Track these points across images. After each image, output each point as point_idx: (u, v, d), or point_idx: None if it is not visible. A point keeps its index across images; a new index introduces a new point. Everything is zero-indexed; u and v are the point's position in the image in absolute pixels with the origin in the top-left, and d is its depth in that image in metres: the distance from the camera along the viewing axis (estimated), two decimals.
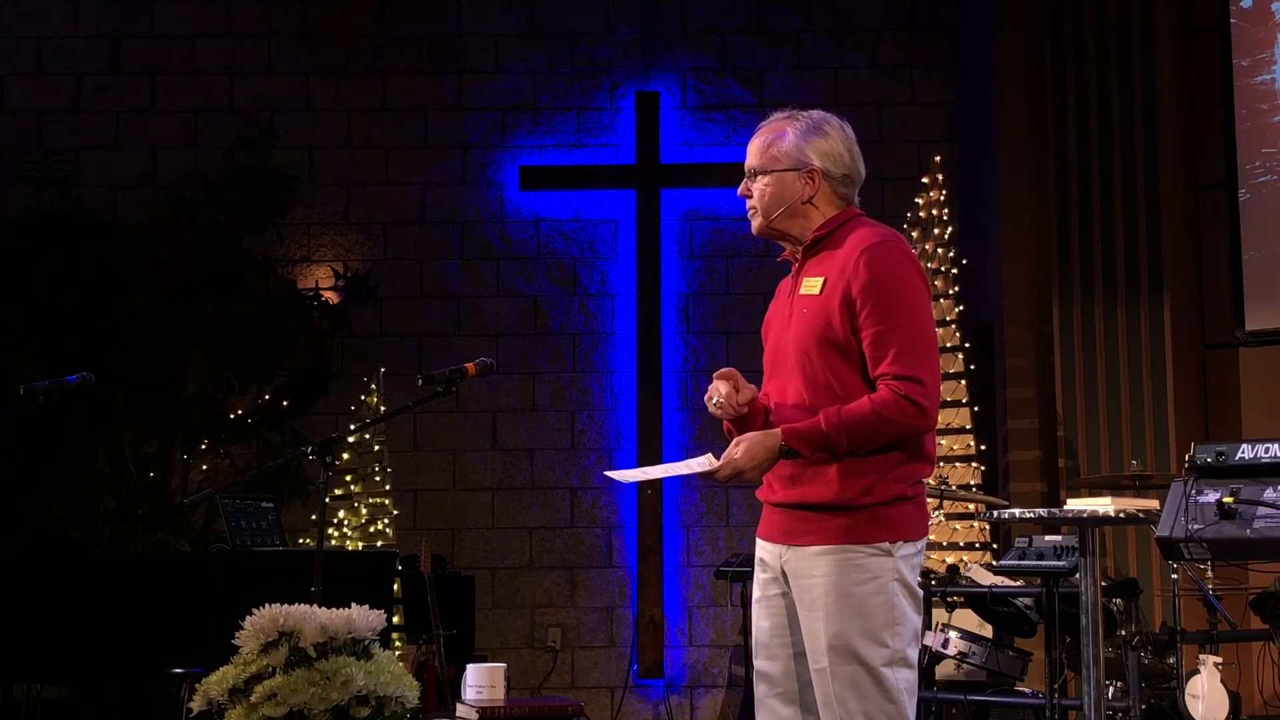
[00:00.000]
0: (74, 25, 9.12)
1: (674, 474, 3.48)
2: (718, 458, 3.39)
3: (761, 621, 3.45)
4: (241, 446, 8.39)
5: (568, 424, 8.88)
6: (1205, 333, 7.71)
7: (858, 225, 3.45)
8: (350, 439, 8.02)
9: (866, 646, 3.27)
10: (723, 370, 3.47)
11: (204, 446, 8.34)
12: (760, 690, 3.45)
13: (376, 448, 8.30)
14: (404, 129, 9.07)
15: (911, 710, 3.31)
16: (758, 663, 3.45)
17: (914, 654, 3.34)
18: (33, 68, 9.08)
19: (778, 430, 3.31)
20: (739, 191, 3.54)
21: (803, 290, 3.42)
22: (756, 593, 3.49)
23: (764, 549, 3.47)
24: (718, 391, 3.43)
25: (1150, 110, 7.68)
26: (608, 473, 3.70)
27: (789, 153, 3.46)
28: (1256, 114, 7.53)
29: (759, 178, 3.49)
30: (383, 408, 8.20)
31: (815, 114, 3.52)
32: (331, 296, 8.78)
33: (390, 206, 9.04)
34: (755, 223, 3.52)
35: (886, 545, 3.31)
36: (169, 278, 8.44)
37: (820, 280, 3.39)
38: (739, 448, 3.31)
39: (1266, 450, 4.48)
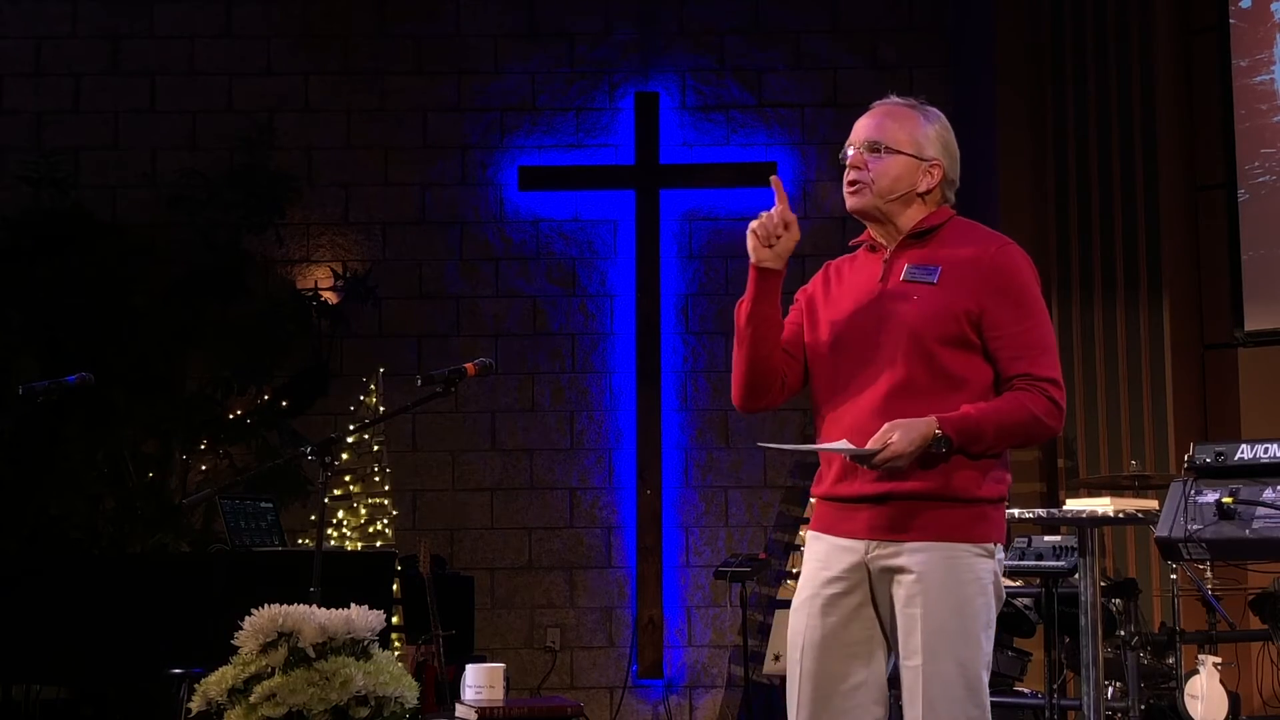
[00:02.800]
0: (73, 25, 9.12)
1: (819, 450, 3.30)
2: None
3: (814, 620, 3.30)
4: (241, 447, 8.39)
5: (567, 424, 8.88)
6: (1204, 333, 7.71)
7: (967, 224, 3.42)
8: (349, 439, 8.02)
9: (964, 647, 3.21)
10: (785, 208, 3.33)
11: (203, 447, 8.34)
12: (805, 691, 3.30)
13: (376, 448, 8.30)
14: (403, 129, 9.07)
15: (991, 716, 3.27)
16: (805, 663, 3.30)
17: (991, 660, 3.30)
18: (32, 68, 9.08)
19: (932, 417, 3.17)
20: (850, 160, 3.40)
21: (907, 277, 3.32)
22: (808, 591, 3.32)
23: (834, 545, 3.31)
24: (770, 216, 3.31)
25: (1149, 111, 7.68)
26: (761, 444, 3.65)
27: (917, 139, 3.41)
28: (1255, 114, 7.54)
29: (880, 153, 3.37)
30: (382, 408, 8.20)
31: (934, 109, 3.49)
32: (331, 297, 8.78)
33: (389, 207, 9.04)
34: (860, 199, 3.37)
35: (991, 546, 3.27)
36: (168, 278, 8.44)
37: (934, 269, 3.30)
38: (895, 433, 3.14)
39: (1265, 450, 4.49)
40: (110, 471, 8.14)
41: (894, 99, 3.52)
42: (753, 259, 3.36)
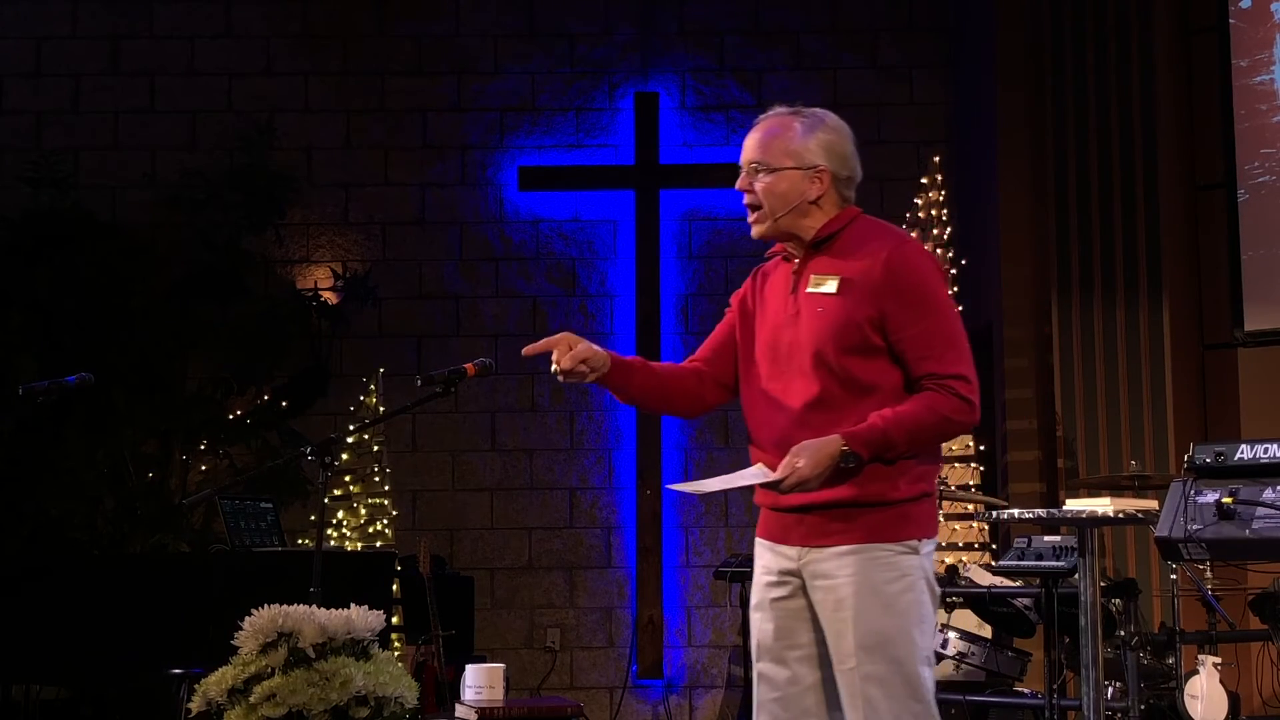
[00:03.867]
0: (73, 26, 9.12)
1: (733, 486, 3.39)
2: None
3: (765, 625, 3.39)
4: (240, 447, 8.39)
5: (567, 424, 8.88)
6: (1204, 333, 7.71)
7: (867, 224, 3.43)
8: (349, 439, 8.02)
9: (898, 645, 3.24)
10: (556, 339, 3.42)
11: (203, 447, 8.34)
12: (762, 693, 3.41)
13: (375, 448, 8.29)
14: (403, 129, 9.07)
15: (936, 710, 3.29)
16: (760, 666, 3.40)
17: (933, 655, 3.34)
18: (32, 68, 9.08)
19: (836, 436, 3.21)
20: (739, 185, 3.46)
21: (811, 289, 3.36)
22: (757, 597, 3.43)
23: (773, 552, 3.40)
24: (556, 360, 3.40)
25: (1149, 111, 7.68)
26: (671, 485, 3.73)
27: (798, 151, 3.41)
28: (1255, 114, 7.54)
29: (762, 174, 3.42)
30: (381, 408, 8.20)
31: (819, 112, 3.48)
32: (330, 297, 8.78)
33: (389, 207, 9.04)
34: (761, 227, 3.43)
35: (914, 543, 3.30)
36: (168, 278, 8.44)
37: (835, 279, 3.34)
38: (800, 458, 3.20)
39: (1265, 450, 4.48)
40: (110, 472, 8.14)
41: (777, 109, 3.51)
42: (587, 383, 3.49)
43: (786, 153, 3.41)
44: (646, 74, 9.12)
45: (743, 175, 3.46)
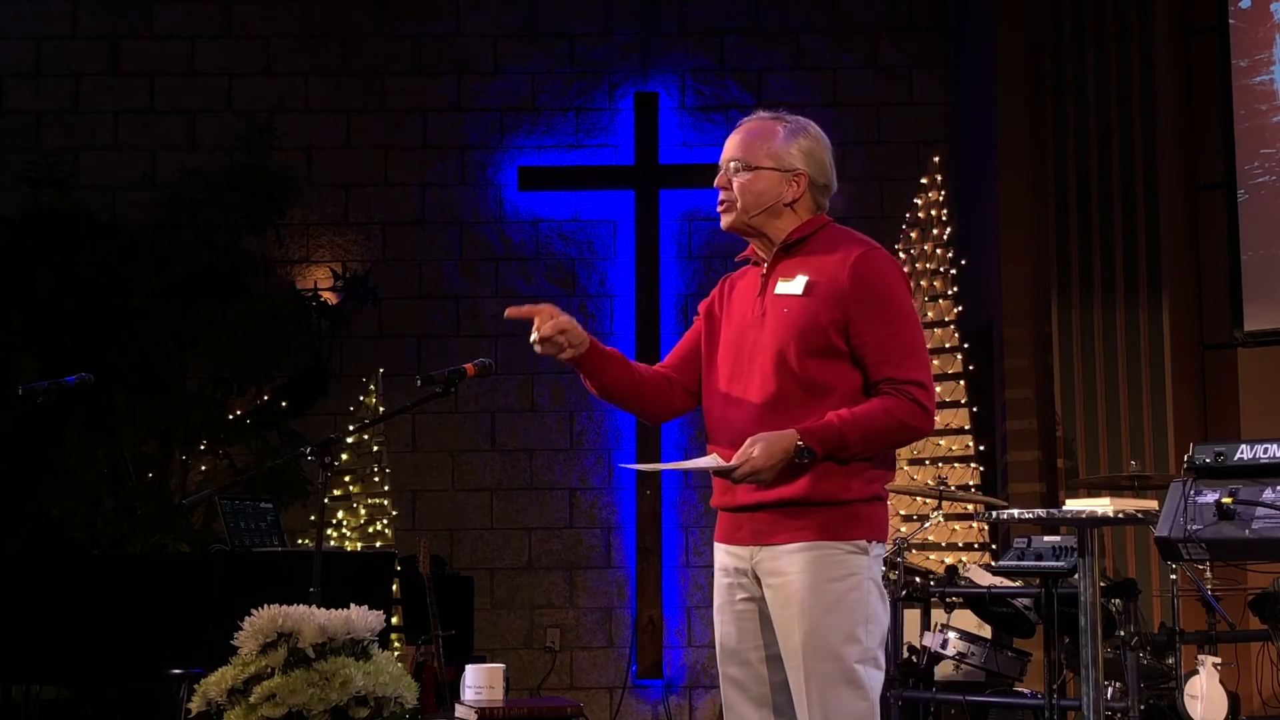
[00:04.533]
0: (73, 26, 9.13)
1: (684, 469, 3.49)
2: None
3: (727, 628, 3.44)
4: (240, 447, 8.39)
5: (566, 424, 8.89)
6: (1204, 333, 7.71)
7: (837, 231, 3.49)
8: (349, 440, 8.02)
9: (841, 643, 3.27)
10: (540, 307, 3.41)
11: (203, 447, 8.34)
12: (730, 696, 3.44)
13: (375, 448, 8.30)
14: (403, 129, 9.07)
15: (878, 712, 3.32)
16: (726, 669, 3.44)
17: (883, 656, 3.36)
18: (32, 68, 9.09)
19: (792, 430, 3.26)
20: (717, 181, 3.50)
21: (778, 290, 3.41)
22: (719, 599, 3.47)
23: (728, 553, 3.45)
24: (537, 328, 3.39)
25: (1149, 111, 7.68)
26: (623, 464, 3.77)
27: (778, 153, 3.46)
28: (1255, 114, 7.54)
29: (741, 172, 3.46)
30: (381, 408, 8.20)
31: (801, 119, 3.53)
32: (330, 297, 8.78)
33: (389, 207, 9.04)
34: (730, 217, 3.48)
35: (863, 543, 3.33)
36: (168, 278, 8.44)
37: (802, 280, 3.39)
38: (755, 447, 3.25)
39: (1265, 450, 4.48)
40: (110, 472, 8.14)
41: (760, 114, 3.56)
42: (566, 361, 3.46)
43: (768, 153, 3.46)
44: (646, 74, 9.12)
45: (721, 172, 3.50)
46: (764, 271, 3.49)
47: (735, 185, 3.47)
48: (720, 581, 3.47)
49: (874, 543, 3.36)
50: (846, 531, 3.32)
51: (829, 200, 3.53)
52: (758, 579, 3.38)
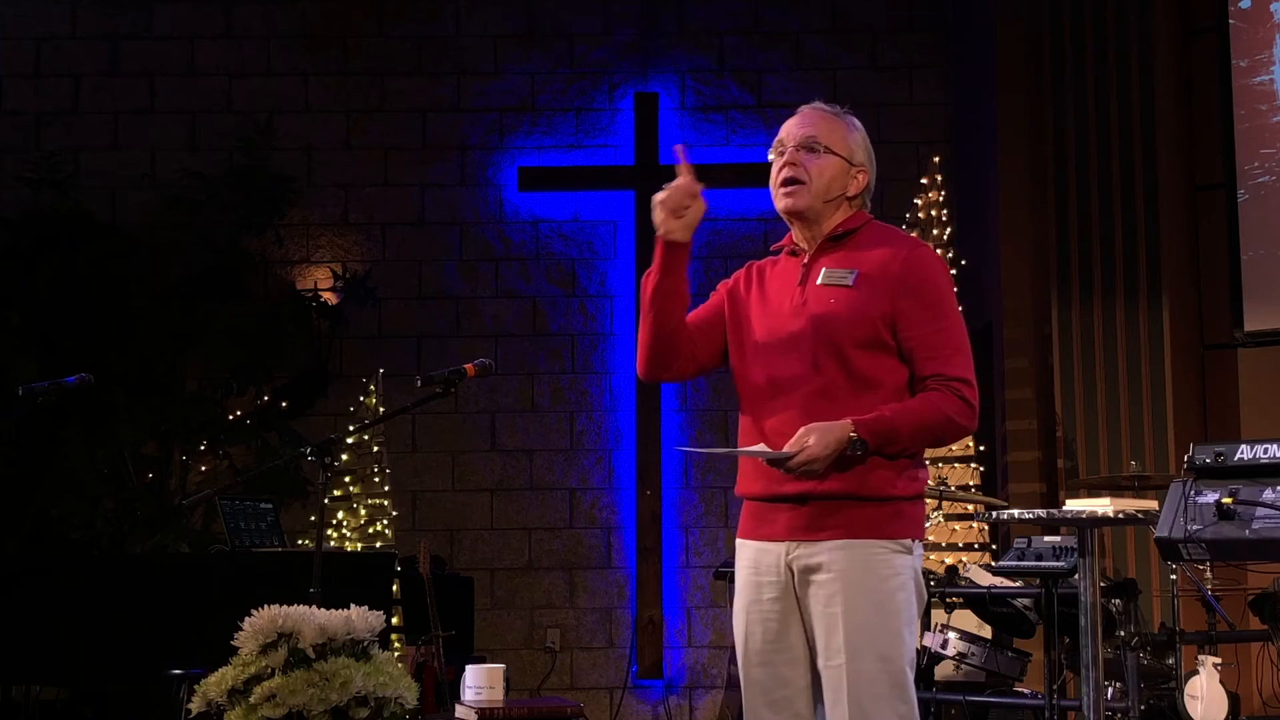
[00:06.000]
0: (73, 26, 9.13)
1: (738, 455, 3.35)
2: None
3: (753, 628, 3.36)
4: (240, 448, 8.39)
5: (566, 425, 8.89)
6: (1204, 333, 7.71)
7: (881, 227, 3.47)
8: (349, 440, 8.02)
9: (887, 644, 3.22)
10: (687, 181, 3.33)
11: (203, 448, 8.34)
12: (751, 698, 3.38)
13: (375, 449, 8.29)
14: (403, 130, 9.07)
15: (917, 712, 3.28)
16: (749, 671, 3.37)
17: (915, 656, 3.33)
18: (32, 68, 9.08)
19: (846, 421, 3.21)
20: (788, 157, 3.40)
21: (823, 281, 3.36)
22: (744, 598, 3.39)
23: (759, 550, 3.37)
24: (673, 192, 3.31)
25: (1149, 111, 7.68)
26: (679, 448, 3.70)
27: (849, 144, 3.44)
28: (1255, 115, 7.54)
29: (818, 152, 3.40)
30: (381, 409, 8.20)
31: (856, 119, 3.52)
32: (330, 297, 8.78)
33: (389, 207, 9.04)
34: (800, 199, 3.39)
35: (908, 542, 3.29)
36: (168, 279, 8.44)
37: (850, 273, 3.34)
38: (810, 437, 3.19)
39: (1265, 451, 4.48)
40: (110, 472, 8.14)
41: (819, 104, 3.52)
42: (660, 231, 3.36)
43: (841, 142, 3.44)
44: (646, 74, 9.12)
45: (791, 149, 3.41)
46: (805, 261, 3.43)
47: (811, 166, 3.40)
48: (747, 579, 3.38)
49: (916, 541, 3.32)
50: (892, 529, 3.27)
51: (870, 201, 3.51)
52: (792, 576, 3.31)
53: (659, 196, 3.33)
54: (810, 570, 3.28)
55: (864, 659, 3.21)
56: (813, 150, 3.40)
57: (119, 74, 9.08)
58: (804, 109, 3.51)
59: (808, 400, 3.29)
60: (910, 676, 3.25)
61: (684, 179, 3.33)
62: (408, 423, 8.74)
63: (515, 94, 9.11)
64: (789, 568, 3.31)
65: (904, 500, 3.30)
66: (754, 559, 3.38)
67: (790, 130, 3.44)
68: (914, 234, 8.00)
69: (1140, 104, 7.69)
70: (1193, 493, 4.47)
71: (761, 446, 3.29)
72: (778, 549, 3.33)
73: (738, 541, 3.46)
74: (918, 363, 3.31)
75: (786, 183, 3.40)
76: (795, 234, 3.48)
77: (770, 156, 3.48)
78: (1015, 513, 5.20)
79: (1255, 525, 4.35)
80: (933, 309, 3.32)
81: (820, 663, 3.28)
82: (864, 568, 3.24)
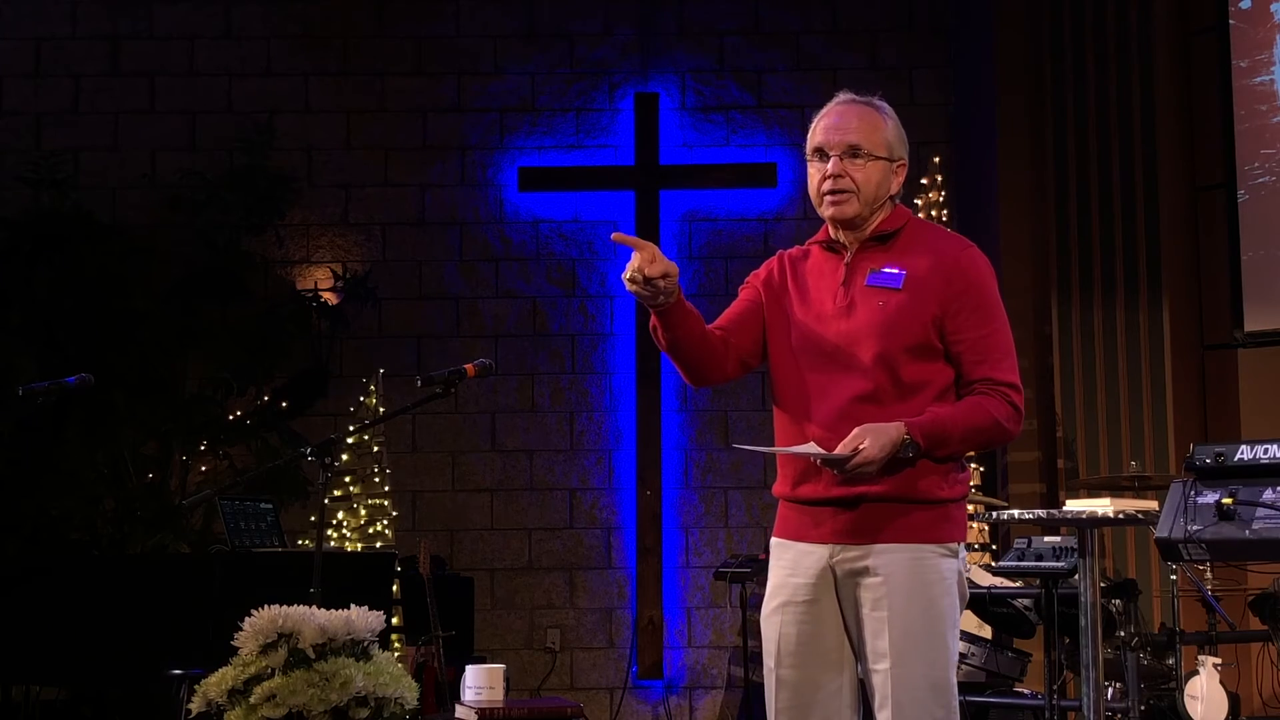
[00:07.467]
0: (73, 26, 9.12)
1: (791, 454, 3.27)
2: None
3: (787, 629, 3.30)
4: (240, 448, 8.39)
5: (567, 425, 8.88)
6: (1204, 334, 7.71)
7: (925, 225, 3.41)
8: (349, 440, 8.02)
9: (932, 649, 3.20)
10: (645, 243, 3.19)
11: (203, 448, 8.34)
12: (781, 699, 3.31)
13: (375, 449, 8.29)
14: (403, 130, 9.07)
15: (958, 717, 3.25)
16: (780, 670, 3.31)
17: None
18: (31, 69, 9.08)
19: (900, 422, 3.15)
20: (830, 168, 3.32)
21: (871, 282, 3.29)
22: (780, 598, 3.32)
23: (802, 551, 3.30)
24: (631, 265, 3.15)
25: (1149, 111, 7.68)
26: (735, 445, 3.62)
27: (890, 142, 3.38)
28: (1255, 115, 7.54)
29: (862, 160, 3.33)
30: (381, 409, 8.19)
31: (886, 104, 3.46)
32: (330, 297, 8.78)
33: (389, 208, 9.04)
34: (850, 208, 3.32)
35: (954, 545, 3.27)
36: (168, 279, 8.44)
37: (898, 274, 3.28)
38: (866, 438, 3.12)
39: (1265, 451, 4.48)
40: (110, 472, 8.14)
41: (852, 97, 3.47)
42: (651, 307, 3.26)
43: (882, 142, 3.37)
44: (646, 74, 9.11)
45: (835, 158, 3.34)
46: (847, 260, 3.36)
47: (858, 175, 3.32)
48: (784, 580, 3.32)
49: (961, 544, 3.29)
50: (939, 533, 3.24)
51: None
52: (834, 579, 3.27)
53: (630, 286, 3.17)
54: (857, 574, 3.24)
55: (909, 664, 3.18)
56: (856, 158, 3.34)
57: (119, 74, 9.08)
58: (839, 105, 3.45)
59: (855, 402, 3.24)
60: (953, 681, 3.23)
61: (640, 256, 3.16)
62: (408, 423, 8.74)
63: (515, 94, 9.11)
64: (831, 570, 3.27)
65: (951, 503, 3.27)
66: (794, 560, 3.32)
67: (830, 137, 3.37)
68: None
69: (1140, 104, 7.70)
70: (1193, 493, 4.48)
71: (813, 445, 3.23)
72: (822, 551, 3.28)
73: (775, 541, 3.39)
74: (966, 366, 3.27)
75: (834, 194, 3.34)
76: (833, 230, 3.41)
77: (808, 157, 3.41)
78: (1015, 513, 5.20)
79: (1255, 525, 4.35)
80: (983, 312, 3.27)
81: (863, 667, 3.25)
82: (912, 572, 3.21)
